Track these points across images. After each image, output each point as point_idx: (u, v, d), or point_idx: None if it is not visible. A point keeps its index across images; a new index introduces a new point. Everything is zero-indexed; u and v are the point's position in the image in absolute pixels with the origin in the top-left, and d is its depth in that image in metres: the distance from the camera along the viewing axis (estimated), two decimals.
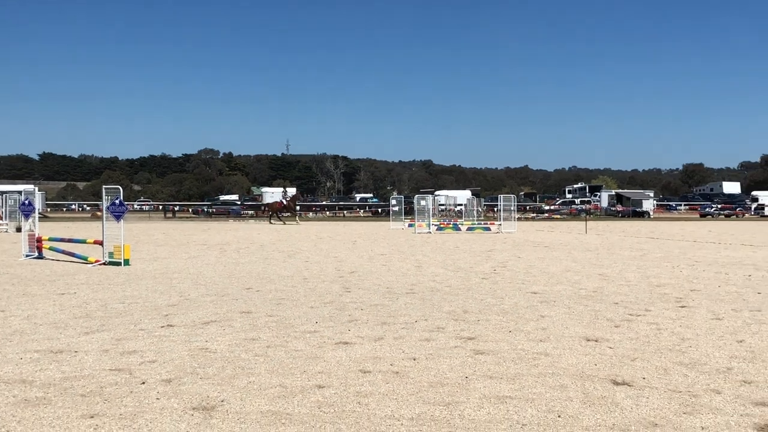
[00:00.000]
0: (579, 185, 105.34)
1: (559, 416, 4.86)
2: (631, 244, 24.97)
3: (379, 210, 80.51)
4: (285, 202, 50.32)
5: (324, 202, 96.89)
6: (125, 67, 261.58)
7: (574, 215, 75.09)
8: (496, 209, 43.21)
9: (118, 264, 15.76)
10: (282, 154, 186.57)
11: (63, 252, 17.63)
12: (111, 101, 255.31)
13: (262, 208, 62.48)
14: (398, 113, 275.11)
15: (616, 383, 5.72)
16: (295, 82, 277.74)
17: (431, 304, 10.09)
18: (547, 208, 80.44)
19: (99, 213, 49.52)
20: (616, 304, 10.06)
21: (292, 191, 61.32)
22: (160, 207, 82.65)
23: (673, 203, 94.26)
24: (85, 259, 16.64)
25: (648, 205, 79.96)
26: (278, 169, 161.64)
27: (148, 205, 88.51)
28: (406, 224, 41.35)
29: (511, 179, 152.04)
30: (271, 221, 49.09)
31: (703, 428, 4.62)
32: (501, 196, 41.15)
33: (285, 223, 46.59)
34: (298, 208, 54.94)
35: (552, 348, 7.08)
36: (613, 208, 78.96)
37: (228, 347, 7.09)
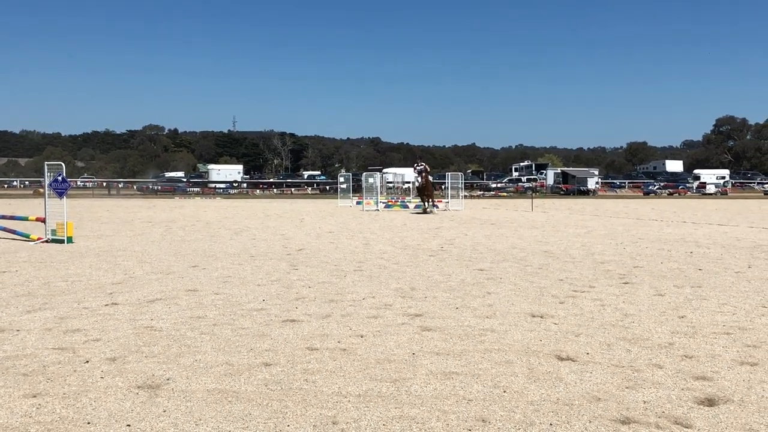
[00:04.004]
0: (525, 163, 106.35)
1: (504, 391, 4.93)
2: (576, 222, 25.33)
3: (327, 187, 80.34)
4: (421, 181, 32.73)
5: (271, 180, 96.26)
6: (67, 39, 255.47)
7: (521, 193, 75.87)
8: (443, 187, 43.36)
9: (61, 242, 15.48)
10: (228, 130, 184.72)
11: (4, 229, 17.24)
12: (53, 75, 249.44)
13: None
14: (346, 90, 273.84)
15: (560, 359, 5.81)
16: (241, 58, 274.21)
17: (379, 281, 10.12)
18: (494, 185, 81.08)
19: (41, 190, 48.50)
20: (561, 281, 10.20)
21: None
22: (104, 184, 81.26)
23: (617, 181, 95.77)
24: (27, 236, 16.31)
25: (593, 183, 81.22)
26: (224, 146, 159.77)
27: (91, 181, 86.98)
28: (354, 202, 41.32)
29: (458, 157, 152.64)
30: (427, 208, 32.40)
31: (645, 402, 4.73)
32: (448, 174, 41.36)
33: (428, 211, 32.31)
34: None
35: (498, 324, 7.15)
36: (559, 186, 79.96)
37: (174, 325, 7.02)
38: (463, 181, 41.13)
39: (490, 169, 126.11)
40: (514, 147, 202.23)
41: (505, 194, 74.34)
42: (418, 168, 32.30)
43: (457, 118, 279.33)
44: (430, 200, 32.67)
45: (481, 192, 75.59)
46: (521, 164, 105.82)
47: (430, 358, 5.78)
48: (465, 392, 4.90)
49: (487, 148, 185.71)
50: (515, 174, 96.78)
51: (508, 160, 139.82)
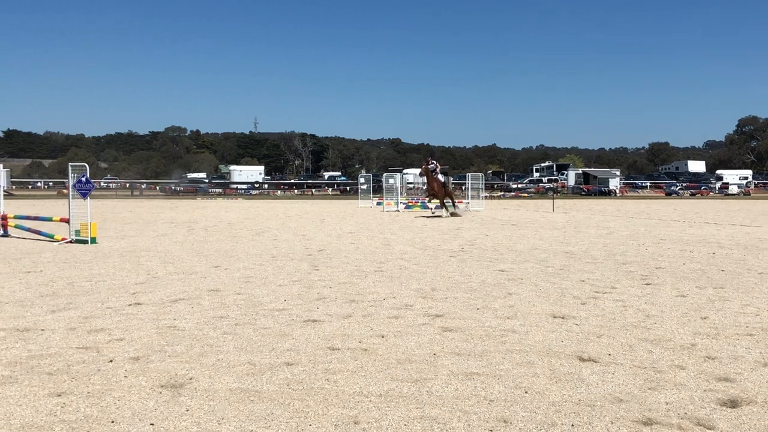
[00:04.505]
0: (546, 164, 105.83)
1: (526, 392, 4.93)
2: (597, 222, 25.22)
3: (348, 188, 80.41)
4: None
5: (292, 181, 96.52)
6: (91, 43, 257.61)
7: (542, 194, 75.59)
8: (463, 187, 43.27)
9: (84, 242, 15.62)
10: (250, 131, 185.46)
11: (29, 230, 17.42)
12: (77, 77, 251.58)
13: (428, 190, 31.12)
14: (367, 91, 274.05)
15: (582, 359, 5.80)
16: (263, 60, 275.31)
17: (399, 282, 10.13)
18: (514, 186, 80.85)
19: (65, 191, 48.90)
20: (583, 282, 10.17)
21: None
22: (127, 185, 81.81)
23: (639, 182, 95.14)
24: (52, 237, 16.46)
25: (614, 183, 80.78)
26: (246, 147, 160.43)
27: (114, 182, 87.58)
28: (375, 202, 41.36)
29: (479, 158, 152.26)
30: (448, 210, 29.48)
31: (667, 403, 4.71)
32: (469, 175, 41.31)
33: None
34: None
35: (519, 325, 7.15)
36: (580, 186, 79.61)
37: (196, 325, 7.08)
38: (484, 182, 41.03)
39: (510, 170, 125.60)
40: (534, 147, 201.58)
41: (525, 195, 74.07)
42: (429, 166, 29.27)
43: (478, 119, 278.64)
44: (444, 201, 29.44)
45: (502, 193, 75.34)
46: (542, 165, 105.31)
47: (451, 359, 5.79)
48: (486, 393, 4.90)
49: (508, 148, 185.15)
50: (536, 175, 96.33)
51: (529, 160, 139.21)
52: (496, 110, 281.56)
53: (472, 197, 38.20)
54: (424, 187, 31.74)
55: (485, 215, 30.58)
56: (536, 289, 9.53)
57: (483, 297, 8.82)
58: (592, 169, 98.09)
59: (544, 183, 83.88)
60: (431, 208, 30.91)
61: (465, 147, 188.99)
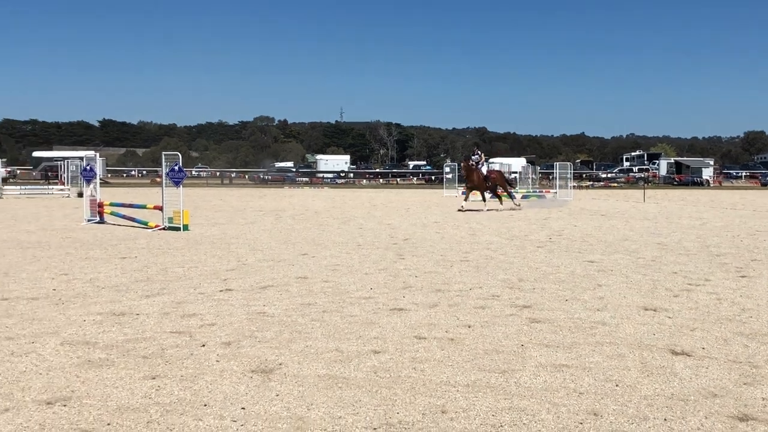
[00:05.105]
0: (637, 153, 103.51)
1: (617, 385, 4.84)
2: (690, 213, 24.56)
3: (433, 177, 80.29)
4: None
5: (377, 170, 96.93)
6: (182, 37, 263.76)
7: (632, 183, 74.01)
8: (551, 177, 42.71)
9: (177, 229, 16.02)
10: (336, 121, 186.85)
11: (123, 217, 17.96)
12: (169, 69, 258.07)
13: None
14: (452, 80, 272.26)
15: (675, 353, 5.66)
16: (348, 49, 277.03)
17: (486, 272, 10.07)
18: (603, 176, 79.37)
19: (158, 179, 50.25)
20: (675, 274, 9.92)
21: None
22: (218, 173, 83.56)
23: (733, 172, 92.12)
24: (146, 224, 16.94)
25: (707, 173, 78.42)
26: (332, 136, 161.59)
27: (205, 171, 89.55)
28: (460, 192, 41.17)
29: (567, 147, 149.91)
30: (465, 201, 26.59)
31: (764, 399, 4.56)
32: (557, 164, 40.76)
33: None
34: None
35: (609, 317, 7.02)
36: (672, 176, 77.60)
37: (285, 312, 7.18)
38: (572, 171, 40.39)
39: (599, 159, 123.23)
40: (625, 136, 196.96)
41: (615, 185, 72.64)
42: (473, 158, 26.87)
43: (566, 107, 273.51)
44: (483, 194, 27.07)
45: (591, 182, 74.07)
46: (632, 154, 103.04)
47: (540, 350, 5.72)
48: (576, 385, 4.83)
49: (597, 137, 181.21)
50: (626, 164, 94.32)
51: (619, 149, 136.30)
52: (584, 98, 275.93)
53: (560, 187, 37.66)
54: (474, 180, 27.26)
55: (573, 205, 30.11)
56: (627, 280, 9.34)
57: (572, 288, 8.70)
58: (685, 158, 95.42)
59: (635, 172, 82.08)
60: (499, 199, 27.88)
61: (552, 136, 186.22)
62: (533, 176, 50.34)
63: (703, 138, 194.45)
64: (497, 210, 26.13)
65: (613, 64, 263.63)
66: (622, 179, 77.93)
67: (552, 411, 4.32)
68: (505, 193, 28.21)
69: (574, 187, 43.21)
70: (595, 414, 4.28)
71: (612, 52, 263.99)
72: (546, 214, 23.52)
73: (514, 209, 26.60)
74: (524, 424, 4.12)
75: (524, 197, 34.55)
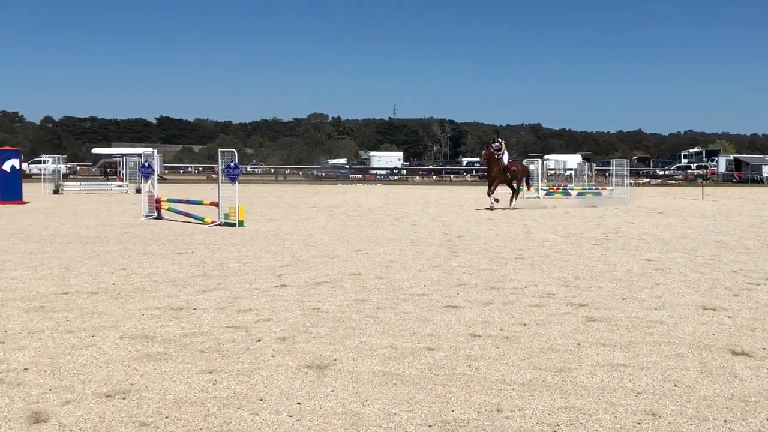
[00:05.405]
0: (695, 150, 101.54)
1: (675, 385, 4.76)
2: (749, 211, 24.02)
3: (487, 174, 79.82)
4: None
5: (430, 166, 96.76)
6: (241, 36, 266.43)
7: (690, 181, 72.66)
8: (607, 174, 42.15)
9: (233, 225, 16.20)
10: (389, 118, 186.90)
11: (180, 213, 18.23)
12: (225, 68, 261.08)
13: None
14: (505, 75, 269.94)
15: (734, 353, 5.55)
16: (402, 47, 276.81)
17: (541, 269, 9.98)
18: (661, 173, 78.11)
19: (214, 175, 50.91)
20: (735, 273, 9.72)
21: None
22: (272, 170, 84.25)
23: None
24: (202, 219, 17.16)
25: None
26: (385, 133, 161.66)
27: (260, 168, 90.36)
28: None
29: (623, 143, 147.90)
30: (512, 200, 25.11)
31: None
32: (613, 161, 40.22)
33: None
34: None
35: (667, 316, 6.91)
36: (731, 174, 76.00)
37: (339, 308, 7.22)
38: (629, 168, 39.79)
39: (657, 156, 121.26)
40: (683, 133, 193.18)
41: (673, 182, 71.37)
42: (494, 145, 24.53)
43: (623, 102, 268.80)
44: (494, 188, 24.32)
45: (648, 180, 72.93)
46: (690, 150, 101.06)
47: (596, 349, 5.65)
48: (633, 385, 4.76)
49: (654, 133, 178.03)
50: (684, 161, 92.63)
51: (677, 146, 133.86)
52: (641, 94, 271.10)
53: (617, 184, 37.13)
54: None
55: (630, 203, 29.66)
56: (685, 279, 9.18)
57: (629, 287, 8.58)
58: (744, 155, 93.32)
59: (693, 170, 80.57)
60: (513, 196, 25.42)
61: (608, 132, 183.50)
62: (589, 173, 49.79)
63: (763, 135, 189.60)
64: (502, 208, 23.69)
65: (672, 60, 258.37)
66: (680, 176, 76.52)
67: (609, 411, 4.27)
68: (520, 187, 25.68)
69: (630, 184, 42.59)
70: (653, 414, 4.22)
71: (670, 47, 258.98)
72: (602, 212, 23.23)
73: (506, 208, 23.96)
74: (581, 423, 4.08)
75: (580, 194, 34.16)
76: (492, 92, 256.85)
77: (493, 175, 24.24)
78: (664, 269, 10.04)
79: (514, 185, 25.21)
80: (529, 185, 29.31)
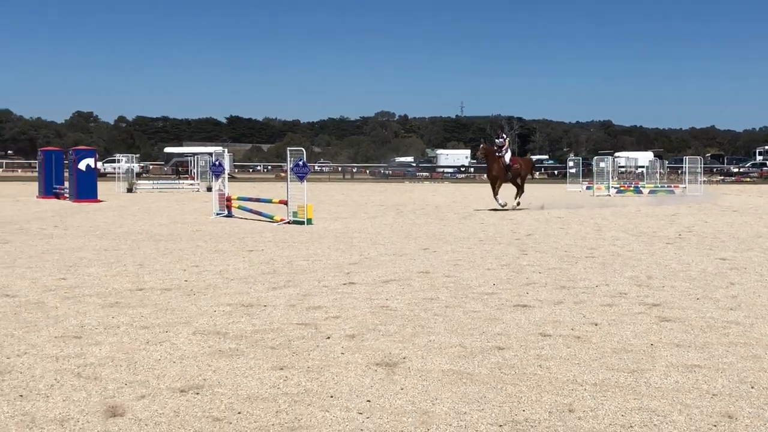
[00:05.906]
0: None
1: (752, 387, 4.63)
2: None
3: (555, 172, 78.95)
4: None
5: None
6: (307, 36, 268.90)
7: (765, 178, 70.64)
8: (680, 172, 41.30)
9: (301, 223, 16.35)
10: (456, 116, 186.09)
11: (250, 211, 18.50)
12: (294, 68, 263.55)
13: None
14: (575, 71, 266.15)
15: None
16: (468, 45, 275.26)
17: (612, 269, 9.83)
18: (735, 170, 76.09)
19: (283, 174, 51.44)
20: None
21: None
22: (339, 168, 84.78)
23: None
24: (271, 217, 17.36)
25: None
26: (452, 131, 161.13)
27: (327, 166, 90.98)
28: (584, 187, 40.39)
29: (696, 140, 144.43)
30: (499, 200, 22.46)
31: None
32: (686, 158, 39.37)
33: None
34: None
35: (743, 317, 6.73)
36: None
37: (407, 306, 7.23)
38: (702, 166, 38.90)
39: (731, 153, 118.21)
40: (758, 129, 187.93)
41: (748, 179, 69.46)
42: (497, 141, 23.34)
43: (695, 99, 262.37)
44: (498, 187, 22.80)
45: (721, 177, 71.14)
46: (766, 147, 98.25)
47: (670, 350, 5.55)
48: (708, 386, 4.66)
49: (728, 130, 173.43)
50: (759, 158, 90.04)
51: (751, 143, 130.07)
52: (714, 90, 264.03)
53: (689, 182, 36.35)
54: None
55: (703, 201, 28.99)
56: (761, 279, 8.94)
57: (703, 286, 8.39)
58: None
59: None
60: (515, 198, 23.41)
61: (681, 129, 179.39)
62: (661, 171, 48.86)
63: None
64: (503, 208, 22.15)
65: (746, 55, 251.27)
66: (755, 174, 74.40)
67: (684, 412, 4.18)
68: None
69: (704, 182, 41.64)
70: (729, 416, 4.12)
71: (744, 41, 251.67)
72: (675, 210, 22.76)
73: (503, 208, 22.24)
74: (655, 425, 4.00)
75: (651, 192, 33.55)
76: (561, 89, 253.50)
77: (494, 174, 22.74)
78: (740, 268, 9.79)
79: (518, 182, 23.52)
80: (532, 174, 27.58)
